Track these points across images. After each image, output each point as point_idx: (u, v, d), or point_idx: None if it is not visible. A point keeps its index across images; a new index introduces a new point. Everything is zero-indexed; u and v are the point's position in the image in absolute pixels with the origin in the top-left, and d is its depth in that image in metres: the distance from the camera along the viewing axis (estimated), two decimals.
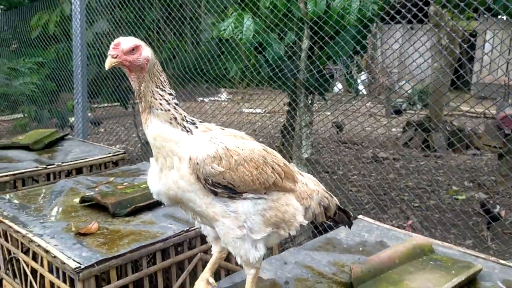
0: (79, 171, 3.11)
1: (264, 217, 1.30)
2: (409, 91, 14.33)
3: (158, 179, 1.30)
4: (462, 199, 6.24)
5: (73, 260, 1.72)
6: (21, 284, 2.09)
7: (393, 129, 10.58)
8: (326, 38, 4.00)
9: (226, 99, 13.43)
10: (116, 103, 6.58)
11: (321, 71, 4.22)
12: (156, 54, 5.46)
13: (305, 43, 3.97)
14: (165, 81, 1.28)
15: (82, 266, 1.68)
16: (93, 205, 2.29)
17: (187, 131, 1.27)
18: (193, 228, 2.02)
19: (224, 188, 1.25)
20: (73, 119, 7.00)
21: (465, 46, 4.08)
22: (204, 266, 2.05)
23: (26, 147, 3.39)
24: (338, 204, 1.56)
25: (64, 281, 1.77)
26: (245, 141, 1.33)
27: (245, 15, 3.84)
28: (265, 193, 1.31)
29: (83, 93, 4.40)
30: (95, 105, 6.85)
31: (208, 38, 5.06)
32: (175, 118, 1.27)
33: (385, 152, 8.80)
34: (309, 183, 1.47)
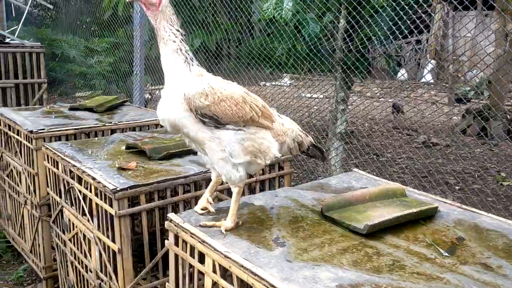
0: (132, 130, 3.62)
1: (242, 146, 1.68)
2: (477, 80, 13.91)
3: (164, 106, 1.70)
4: (508, 185, 6.21)
5: (112, 184, 2.20)
6: (76, 209, 2.62)
7: (454, 118, 10.43)
8: (360, 19, 4.25)
9: (288, 84, 13.75)
10: None
11: (359, 51, 4.47)
12: (213, 35, 5.93)
13: (342, 23, 4.23)
14: (174, 20, 1.68)
15: (118, 188, 2.15)
16: (136, 151, 2.77)
17: (188, 64, 1.67)
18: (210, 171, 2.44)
19: (210, 118, 1.64)
20: (146, 95, 7.71)
21: None
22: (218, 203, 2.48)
23: (91, 109, 3.97)
24: (313, 141, 1.91)
25: (105, 202, 2.26)
26: (230, 84, 1.72)
27: None
28: (244, 126, 1.68)
29: (141, 65, 4.97)
30: (160, 86, 7.48)
31: (257, 20, 5.43)
32: (180, 49, 1.67)
33: (437, 138, 8.78)
34: (285, 123, 1.83)
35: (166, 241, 1.86)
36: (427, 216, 1.87)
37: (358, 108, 8.19)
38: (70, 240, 2.76)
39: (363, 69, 4.64)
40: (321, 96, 9.49)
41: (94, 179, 2.32)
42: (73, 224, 2.69)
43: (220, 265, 1.57)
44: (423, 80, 16.03)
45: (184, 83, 1.65)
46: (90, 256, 2.52)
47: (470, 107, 10.45)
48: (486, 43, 3.95)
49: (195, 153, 2.71)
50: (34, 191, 3.29)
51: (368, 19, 4.10)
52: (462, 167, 7.11)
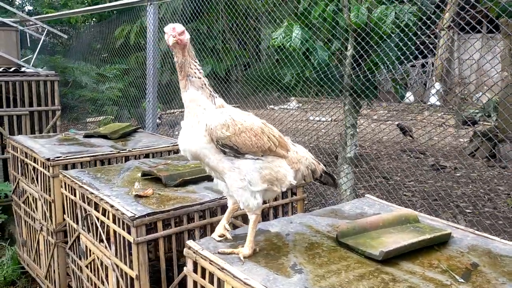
0: (145, 156, 3.70)
1: (261, 174, 1.74)
2: (484, 103, 13.96)
3: (185, 137, 1.77)
4: None
5: (130, 212, 2.25)
6: (93, 236, 2.67)
7: (461, 140, 10.46)
8: (366, 47, 4.35)
9: (295, 107, 13.88)
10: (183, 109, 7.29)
11: (366, 76, 4.56)
12: (222, 62, 6.07)
13: (350, 50, 4.33)
14: (195, 56, 1.76)
15: (136, 216, 2.21)
16: (151, 178, 2.83)
17: (212, 97, 1.74)
18: (225, 197, 2.49)
19: (230, 148, 1.70)
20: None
21: None
22: (234, 229, 2.52)
23: (105, 136, 4.06)
24: (324, 169, 1.97)
25: (123, 229, 2.31)
26: (249, 116, 1.79)
27: (295, 24, 4.28)
28: (262, 156, 1.75)
29: (153, 93, 5.09)
30: (169, 111, 7.61)
31: (266, 47, 5.55)
32: (205, 84, 1.75)
33: (446, 161, 8.79)
34: (299, 151, 1.89)
35: (184, 268, 1.90)
36: (441, 242, 1.91)
37: (365, 130, 8.26)
38: (87, 266, 2.80)
39: (370, 94, 4.71)
40: (329, 119, 9.60)
41: (112, 206, 2.37)
42: (90, 250, 2.74)
43: None
44: (428, 103, 16.13)
45: (207, 115, 1.72)
46: (108, 282, 2.55)
47: (478, 130, 10.49)
48: (492, 66, 4.03)
49: (210, 180, 2.77)
50: (50, 217, 3.35)
51: (374, 46, 4.19)
52: (472, 190, 7.11)
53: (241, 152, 1.71)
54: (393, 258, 1.75)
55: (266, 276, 1.61)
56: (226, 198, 2.46)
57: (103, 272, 2.60)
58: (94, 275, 2.72)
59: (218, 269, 1.70)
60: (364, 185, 6.37)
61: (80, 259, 2.90)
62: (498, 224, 4.68)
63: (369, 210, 2.30)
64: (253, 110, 8.43)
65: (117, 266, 2.43)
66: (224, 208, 2.51)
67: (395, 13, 3.70)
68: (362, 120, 10.41)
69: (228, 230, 1.95)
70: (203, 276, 1.80)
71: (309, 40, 4.35)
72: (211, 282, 1.75)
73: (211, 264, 1.74)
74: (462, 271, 1.68)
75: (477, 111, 14.20)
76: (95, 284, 2.73)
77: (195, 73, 1.75)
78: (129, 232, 2.26)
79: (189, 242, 1.87)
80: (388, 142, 9.94)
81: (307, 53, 4.41)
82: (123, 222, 2.31)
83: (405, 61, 4.47)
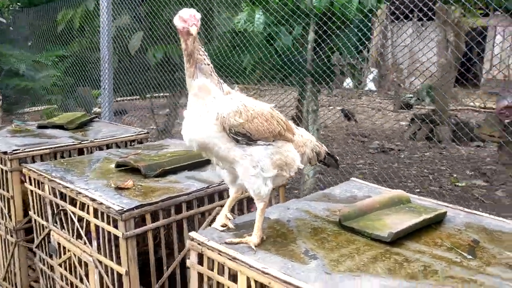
0: (108, 147, 3.52)
1: (272, 160, 1.70)
2: (418, 87, 14.68)
3: (191, 127, 1.68)
4: (462, 186, 6.57)
5: (117, 205, 2.13)
6: (68, 232, 2.51)
7: (401, 123, 10.92)
8: (329, 31, 4.38)
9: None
10: (135, 97, 7.04)
11: (326, 62, 4.60)
12: (175, 48, 5.86)
13: (311, 36, 4.34)
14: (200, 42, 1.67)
15: (125, 209, 2.09)
16: (126, 169, 2.70)
17: (220, 84, 1.67)
18: (212, 186, 2.43)
19: (243, 136, 1.64)
20: (97, 108, 7.47)
21: (470, 42, 4.42)
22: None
23: (61, 127, 3.82)
24: (327, 150, 1.97)
25: (108, 223, 2.18)
26: (257, 102, 1.73)
27: (257, 9, 4.23)
28: (273, 141, 1.71)
29: (109, 79, 4.84)
30: (117, 99, 7.29)
31: (222, 32, 5.44)
32: (213, 71, 1.66)
33: (390, 143, 9.15)
34: (304, 135, 1.87)
35: (188, 261, 1.82)
36: (438, 221, 1.96)
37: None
38: (60, 265, 2.63)
39: (329, 80, 4.77)
40: (273, 105, 9.66)
41: (93, 200, 2.23)
42: (64, 248, 2.57)
43: (256, 281, 1.56)
44: (366, 88, 16.69)
45: (217, 103, 1.64)
46: (88, 280, 2.41)
47: (417, 113, 11.00)
48: (425, 52, 4.21)
49: (189, 169, 2.70)
50: (9, 215, 3.11)
51: (337, 31, 4.24)
52: (417, 170, 7.46)
53: (253, 139, 1.66)
54: (398, 239, 1.77)
55: (283, 264, 1.58)
56: (213, 186, 2.41)
57: (82, 269, 2.45)
58: (71, 273, 2.56)
59: (229, 259, 1.65)
60: (319, 170, 6.49)
61: (51, 257, 2.72)
62: (445, 201, 4.94)
63: (359, 193, 2.33)
64: None
65: (101, 262, 2.29)
66: (211, 197, 2.45)
67: None
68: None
69: (229, 219, 1.90)
70: (211, 268, 1.73)
71: (271, 25, 4.31)
72: (221, 274, 1.70)
73: (220, 254, 1.68)
74: (466, 248, 1.73)
75: (411, 95, 14.89)
76: (71, 283, 2.57)
77: (204, 59, 1.66)
78: (115, 226, 2.14)
79: (193, 234, 1.80)
80: (333, 127, 10.18)
81: (270, 38, 4.37)
82: (108, 216, 2.18)
83: (364, 47, 4.56)
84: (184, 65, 1.68)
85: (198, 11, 1.64)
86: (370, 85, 16.92)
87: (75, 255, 2.48)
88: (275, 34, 4.30)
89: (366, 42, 4.27)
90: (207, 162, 2.83)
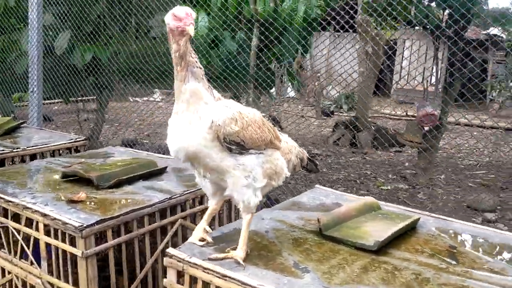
0: (43, 155, 3.21)
1: (263, 169, 1.61)
2: (335, 96, 15.29)
3: (180, 135, 1.55)
4: (387, 189, 6.89)
5: (75, 220, 1.92)
6: (9, 252, 2.23)
7: (325, 129, 11.26)
8: (271, 38, 4.38)
9: (160, 100, 13.47)
10: (57, 100, 6.56)
11: (268, 68, 4.59)
12: (103, 49, 5.54)
13: (254, 42, 4.30)
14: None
15: (85, 225, 1.88)
16: (74, 180, 2.46)
17: (210, 89, 1.55)
18: (175, 196, 2.28)
19: (237, 145, 1.54)
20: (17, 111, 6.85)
21: (386, 54, 4.63)
22: (183, 231, 2.33)
23: None
24: (308, 156, 1.92)
25: (64, 241, 1.96)
26: (248, 108, 1.64)
27: (200, 12, 4.11)
28: (264, 149, 1.62)
29: (38, 81, 4.45)
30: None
31: (155, 35, 5.22)
32: (203, 75, 1.54)
33: (317, 149, 9.40)
34: (288, 141, 1.81)
35: (165, 280, 1.68)
36: (413, 227, 1.99)
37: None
38: None
39: (266, 86, 4.77)
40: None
41: (45, 215, 2.00)
42: (2, 270, 2.28)
43: None
44: (287, 95, 17.06)
45: (210, 109, 1.52)
46: None
47: (339, 120, 11.42)
48: (343, 62, 4.40)
49: (144, 179, 2.53)
50: None
51: (280, 37, 4.24)
52: (344, 175, 7.71)
53: (246, 148, 1.56)
54: (382, 247, 1.77)
55: (277, 279, 1.50)
56: (176, 197, 2.27)
57: None
58: None
59: (218, 277, 1.54)
60: None
61: None
62: None
63: (327, 200, 2.31)
64: (115, 103, 7.95)
65: (52, 285, 2.06)
66: (174, 208, 2.30)
67: (305, 6, 3.77)
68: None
69: (207, 233, 1.78)
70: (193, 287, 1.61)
71: (213, 30, 4.22)
72: None
73: (206, 272, 1.56)
74: (446, 254, 1.77)
75: (330, 103, 15.46)
76: None
77: (196, 62, 1.54)
78: (73, 244, 1.93)
79: (171, 250, 1.66)
80: None
81: (213, 42, 4.27)
82: (63, 233, 1.96)
83: (305, 54, 4.61)
84: (174, 67, 1.54)
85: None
86: (292, 93, 17.33)
87: (17, 278, 2.21)
88: (218, 39, 4.21)
89: (309, 49, 4.32)
90: (162, 170, 2.68)
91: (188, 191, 2.36)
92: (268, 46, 4.41)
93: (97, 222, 1.93)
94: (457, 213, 6.08)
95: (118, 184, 2.41)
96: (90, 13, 5.67)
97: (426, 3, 6.19)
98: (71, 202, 2.14)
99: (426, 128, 7.18)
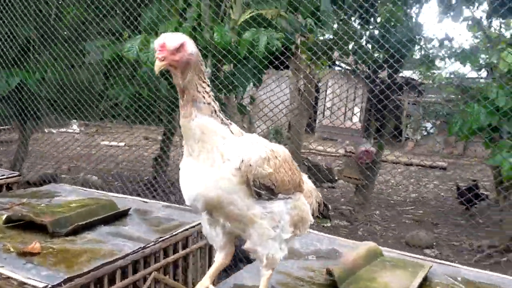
0: None
1: (291, 216, 1.36)
2: (264, 131, 15.35)
3: (197, 180, 1.26)
4: (328, 226, 6.83)
5: (35, 280, 1.52)
6: None
7: None
8: (222, 69, 4.19)
9: (78, 131, 12.67)
10: None
11: (218, 100, 4.37)
12: (31, 75, 5.01)
13: (208, 72, 4.08)
14: (204, 71, 1.28)
15: (49, 286, 1.50)
16: (19, 226, 2.03)
17: (226, 125, 1.29)
18: (149, 245, 1.94)
19: (267, 189, 1.29)
20: None
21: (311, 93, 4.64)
22: (156, 286, 1.98)
23: None
24: (323, 199, 1.69)
25: None
26: (276, 145, 1.38)
27: (152, 38, 3.82)
28: (292, 193, 1.37)
29: None
30: None
31: (91, 61, 4.81)
32: (215, 111, 1.28)
33: None
34: (307, 182, 1.57)
35: None
36: None
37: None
38: None
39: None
40: (121, 144, 9.01)
41: None
42: None
43: None
44: None
45: (234, 146, 1.27)
46: None
47: None
48: (274, 97, 4.41)
49: (106, 223, 2.17)
50: None
51: (239, 66, 4.06)
52: None
53: (275, 192, 1.30)
54: None
55: None
56: (149, 246, 1.95)
57: None
58: None
59: None
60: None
61: None
62: None
63: (321, 246, 2.10)
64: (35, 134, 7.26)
65: None
66: (146, 259, 1.95)
67: (266, 37, 3.63)
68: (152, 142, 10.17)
69: None
70: None
71: None
72: None
73: None
74: None
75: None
76: None
77: (203, 97, 1.27)
78: None
79: None
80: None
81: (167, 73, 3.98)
82: None
83: (258, 86, 4.47)
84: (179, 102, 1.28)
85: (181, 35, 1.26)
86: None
87: None
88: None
89: (261, 82, 4.18)
90: (125, 213, 2.32)
91: (162, 239, 2.03)
92: (221, 76, 4.21)
93: (65, 281, 1.55)
94: (399, 250, 6.14)
95: (77, 231, 2.02)
96: (17, 36, 5.15)
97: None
98: (24, 254, 1.73)
99: (364, 164, 7.29)
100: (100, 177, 7.20)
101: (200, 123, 1.26)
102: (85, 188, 2.84)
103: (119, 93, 4.74)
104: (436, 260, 2.03)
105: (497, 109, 4.01)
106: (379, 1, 4.95)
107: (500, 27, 6.51)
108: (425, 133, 16.25)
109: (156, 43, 1.22)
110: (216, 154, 1.26)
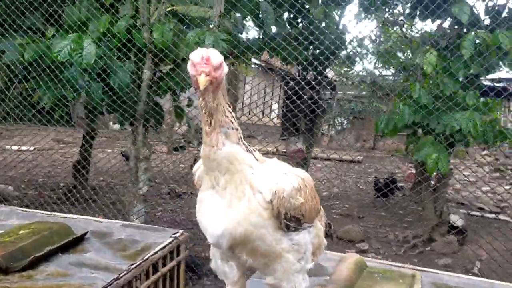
0: None
1: (313, 245, 1.27)
2: (185, 130, 15.10)
3: (221, 216, 1.11)
4: None
5: None
6: None
7: (181, 165, 10.85)
8: (163, 70, 3.98)
9: None
10: None
11: (156, 104, 4.17)
12: None
13: (147, 73, 3.85)
14: (227, 97, 1.14)
15: None
16: None
17: (251, 152, 1.15)
18: (122, 275, 1.73)
19: (296, 221, 1.19)
20: None
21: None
22: None
23: None
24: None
25: None
26: (300, 170, 1.28)
27: (86, 38, 3.50)
28: (313, 221, 1.28)
29: None
30: None
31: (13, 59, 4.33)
32: (241, 138, 1.13)
33: (180, 187, 8.94)
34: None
35: None
36: None
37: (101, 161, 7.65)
38: None
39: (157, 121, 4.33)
40: (31, 148, 8.33)
41: None
42: None
43: None
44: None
45: (262, 177, 1.15)
46: None
47: (196, 155, 11.13)
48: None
49: (63, 250, 1.93)
50: None
51: (177, 69, 3.87)
52: None
53: (301, 222, 1.20)
54: None
55: None
56: (122, 276, 1.75)
57: None
58: None
59: None
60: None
61: None
62: None
63: None
64: None
65: None
66: None
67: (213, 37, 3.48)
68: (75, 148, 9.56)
69: None
70: None
71: (104, 57, 3.64)
72: None
73: None
74: None
75: (180, 137, 15.20)
76: None
77: (231, 122, 1.15)
78: None
79: None
80: (117, 172, 9.33)
81: (105, 73, 3.68)
82: None
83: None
84: (202, 128, 1.12)
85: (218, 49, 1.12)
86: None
87: None
88: (110, 68, 3.63)
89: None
90: (83, 237, 2.07)
91: (134, 265, 1.82)
92: (162, 78, 3.99)
93: None
94: (333, 246, 6.29)
95: (34, 263, 1.75)
96: None
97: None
98: None
99: (297, 162, 7.38)
100: (15, 186, 6.60)
101: (229, 152, 1.13)
102: (26, 210, 2.50)
103: (41, 96, 4.31)
104: (418, 268, 2.04)
105: (420, 107, 4.26)
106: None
107: (410, 28, 6.81)
108: (340, 128, 16.97)
109: (199, 56, 1.08)
110: (245, 186, 1.12)
